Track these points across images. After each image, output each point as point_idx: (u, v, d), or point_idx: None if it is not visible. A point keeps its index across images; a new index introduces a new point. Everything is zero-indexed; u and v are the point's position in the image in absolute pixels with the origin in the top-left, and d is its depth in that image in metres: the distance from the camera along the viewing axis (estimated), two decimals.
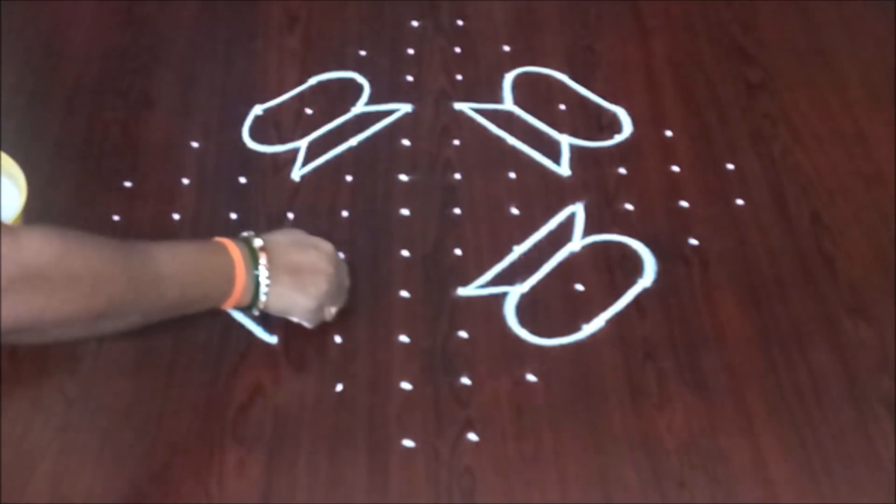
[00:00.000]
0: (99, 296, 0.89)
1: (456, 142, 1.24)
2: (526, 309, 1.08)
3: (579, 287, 1.10)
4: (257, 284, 1.00)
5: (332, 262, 1.04)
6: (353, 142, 1.24)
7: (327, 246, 1.05)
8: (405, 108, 1.27)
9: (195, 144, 1.23)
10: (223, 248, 0.99)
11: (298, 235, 1.06)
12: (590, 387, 1.02)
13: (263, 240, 1.01)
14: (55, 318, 0.87)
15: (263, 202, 1.18)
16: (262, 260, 1.00)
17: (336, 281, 1.04)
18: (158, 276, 0.94)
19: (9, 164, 1.08)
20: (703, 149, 1.23)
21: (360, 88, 1.29)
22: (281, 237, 1.04)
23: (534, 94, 1.29)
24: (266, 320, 1.07)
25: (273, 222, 1.16)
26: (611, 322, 1.07)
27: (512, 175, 1.21)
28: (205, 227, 1.14)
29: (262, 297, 1.00)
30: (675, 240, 1.14)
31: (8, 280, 0.82)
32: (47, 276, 0.86)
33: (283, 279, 1.01)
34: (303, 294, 1.02)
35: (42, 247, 0.86)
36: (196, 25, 1.37)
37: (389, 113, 1.27)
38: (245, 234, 1.02)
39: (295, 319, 1.04)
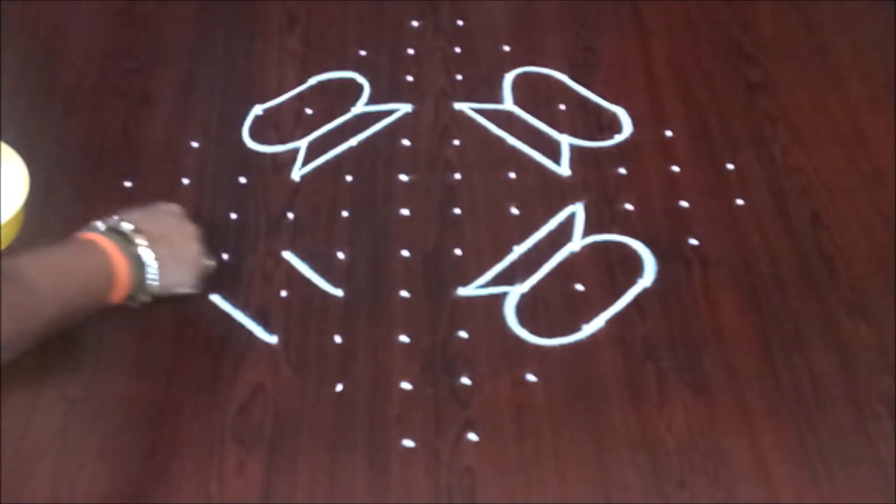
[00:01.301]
0: None
1: (456, 142, 1.24)
2: (526, 309, 1.08)
3: (579, 287, 1.10)
4: (141, 268, 0.99)
5: (187, 218, 1.05)
6: (353, 142, 1.24)
7: (175, 206, 1.06)
8: (405, 108, 1.27)
9: (195, 144, 1.23)
10: (93, 243, 0.98)
11: (147, 208, 1.05)
12: (590, 387, 1.03)
13: (128, 221, 1.00)
14: None
15: (263, 202, 1.18)
16: (140, 241, 0.99)
17: (199, 234, 1.05)
18: (37, 294, 0.93)
19: (9, 154, 1.08)
20: (703, 149, 1.23)
21: (360, 88, 1.29)
22: (136, 214, 1.03)
23: (534, 94, 1.29)
24: (266, 320, 1.07)
25: (273, 222, 1.16)
26: (611, 322, 1.07)
27: (512, 175, 1.21)
28: (205, 227, 1.14)
29: (151, 278, 1.00)
30: (675, 240, 1.14)
31: None
32: None
33: (163, 252, 1.01)
34: (184, 262, 1.03)
35: None
36: (196, 25, 1.37)
37: (389, 113, 1.27)
38: (100, 222, 1.01)
39: (183, 290, 1.04)
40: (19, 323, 0.92)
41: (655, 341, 1.06)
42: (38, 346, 0.97)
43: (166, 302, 1.05)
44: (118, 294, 0.99)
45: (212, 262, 1.06)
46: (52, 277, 0.95)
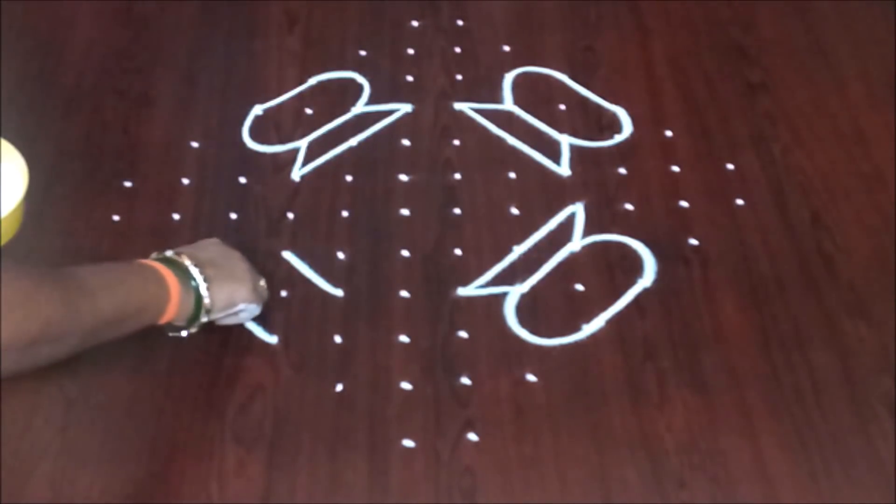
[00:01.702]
0: (34, 319, 0.89)
1: (456, 142, 1.24)
2: (526, 309, 1.08)
3: (579, 287, 1.10)
4: (194, 287, 0.99)
5: (230, 247, 1.05)
6: (353, 142, 1.24)
7: (214, 239, 1.07)
8: (405, 108, 1.27)
9: (195, 144, 1.23)
10: (146, 265, 0.99)
11: (190, 245, 1.05)
12: (590, 387, 1.02)
13: (171, 251, 1.01)
14: None
15: (263, 202, 1.18)
16: (187, 261, 1.00)
17: (244, 258, 1.05)
18: (92, 293, 0.93)
19: (9, 150, 1.08)
20: (703, 149, 1.23)
21: (360, 88, 1.29)
22: (182, 248, 1.03)
23: (534, 94, 1.29)
24: (266, 320, 1.07)
25: (273, 222, 1.16)
26: (611, 322, 1.07)
27: (512, 175, 1.21)
28: (205, 227, 1.14)
29: (206, 296, 1.00)
30: (675, 240, 1.14)
31: None
32: None
33: (211, 273, 1.00)
34: (235, 279, 1.02)
35: None
36: (196, 25, 1.37)
37: (389, 113, 1.27)
38: (166, 254, 1.01)
39: (241, 314, 1.03)
40: (73, 316, 0.92)
41: (655, 341, 1.06)
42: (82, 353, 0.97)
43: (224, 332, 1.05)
44: (171, 310, 0.99)
45: (263, 284, 1.05)
46: (109, 283, 0.96)
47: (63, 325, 0.92)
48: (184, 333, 1.02)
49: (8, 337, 0.87)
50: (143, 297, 0.97)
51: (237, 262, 1.04)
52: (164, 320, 0.99)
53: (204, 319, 1.01)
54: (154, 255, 1.01)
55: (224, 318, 1.03)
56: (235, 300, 1.02)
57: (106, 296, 0.95)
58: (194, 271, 0.99)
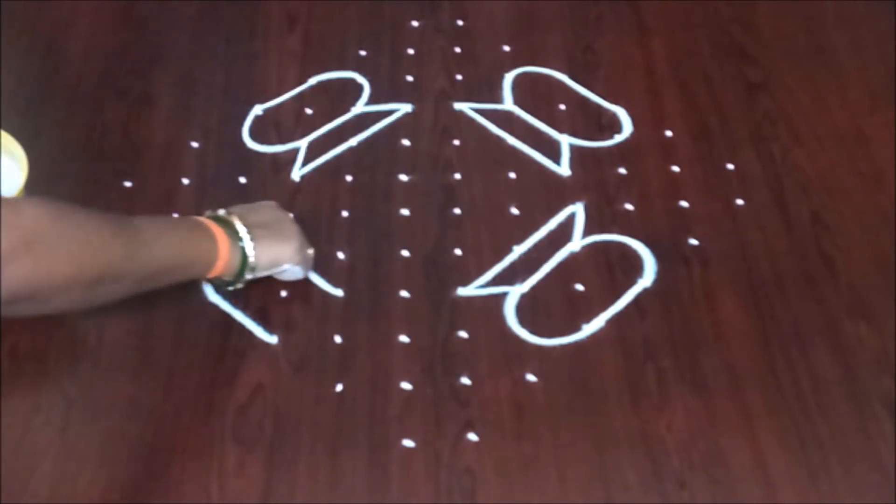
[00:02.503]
0: (96, 259, 0.92)
1: (456, 142, 1.24)
2: (526, 309, 1.08)
3: (579, 287, 1.10)
4: (241, 246, 1.02)
5: (283, 210, 1.09)
6: (353, 142, 1.24)
7: (271, 202, 1.10)
8: (405, 108, 1.27)
9: (195, 144, 1.23)
10: (198, 220, 1.03)
11: (246, 204, 1.09)
12: (590, 387, 1.03)
13: (222, 210, 1.05)
14: (56, 282, 0.90)
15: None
16: (235, 220, 1.03)
17: (295, 222, 1.08)
18: (148, 240, 0.97)
19: (8, 141, 1.08)
20: (703, 149, 1.23)
21: (360, 88, 1.29)
22: (234, 207, 1.07)
23: (534, 94, 1.29)
24: (266, 320, 1.07)
25: None
26: (611, 322, 1.07)
27: (512, 175, 1.21)
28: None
29: (251, 253, 1.03)
30: (675, 240, 1.14)
31: (9, 248, 0.84)
32: (47, 242, 0.88)
33: (260, 233, 1.03)
34: (283, 239, 1.06)
35: (40, 214, 0.89)
36: (196, 25, 1.37)
37: (389, 113, 1.27)
38: (216, 213, 1.05)
39: (286, 273, 1.07)
40: (131, 260, 0.95)
41: (655, 341, 1.06)
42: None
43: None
44: (220, 264, 1.02)
45: (311, 253, 1.09)
46: (164, 234, 0.99)
47: (122, 268, 0.95)
48: (230, 288, 1.06)
49: (73, 274, 0.90)
50: (194, 251, 1.01)
51: (287, 225, 1.07)
52: (212, 274, 1.02)
53: (249, 276, 1.04)
54: (208, 213, 1.05)
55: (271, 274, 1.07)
56: (280, 260, 1.05)
57: (161, 245, 0.98)
58: (242, 230, 1.02)
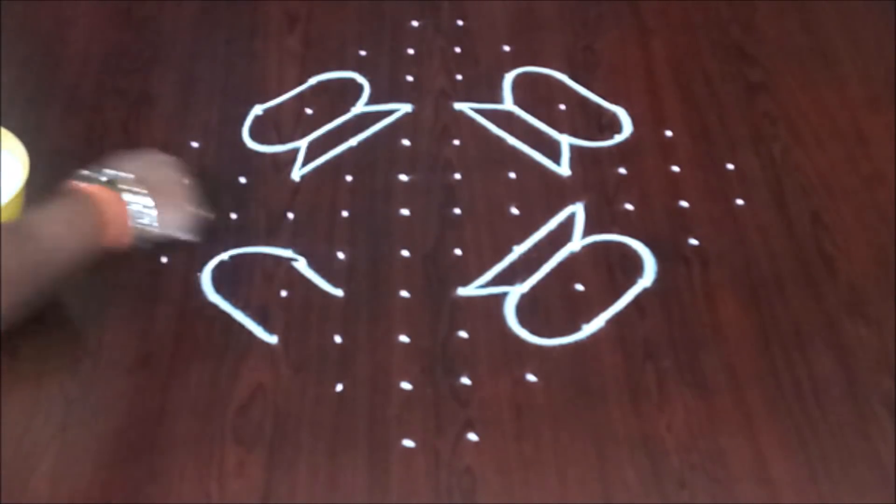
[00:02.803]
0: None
1: (456, 142, 1.24)
2: (526, 309, 1.08)
3: (579, 287, 1.10)
4: (139, 215, 1.05)
5: (176, 168, 1.11)
6: (353, 142, 1.24)
7: (167, 157, 1.12)
8: (405, 108, 1.27)
9: (195, 144, 1.23)
10: (80, 192, 1.03)
11: (141, 158, 1.10)
12: (590, 387, 1.03)
13: (115, 170, 1.06)
14: None
15: (263, 202, 1.18)
16: (138, 188, 1.05)
17: (187, 183, 1.10)
18: (33, 233, 0.98)
19: (9, 138, 1.09)
20: (703, 149, 1.23)
21: (360, 88, 1.29)
22: (132, 164, 1.08)
23: (534, 94, 1.29)
24: (266, 320, 1.07)
25: (273, 222, 1.16)
26: (611, 322, 1.07)
27: (512, 175, 1.21)
28: (205, 227, 1.14)
29: (149, 223, 1.05)
30: (675, 240, 1.14)
31: None
32: None
33: (159, 199, 1.06)
34: (178, 207, 1.08)
35: None
36: (196, 25, 1.37)
37: (389, 113, 1.27)
38: (93, 172, 1.06)
39: (178, 234, 1.09)
40: (36, 274, 0.98)
41: (655, 341, 1.06)
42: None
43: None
44: (116, 237, 1.03)
45: (200, 209, 1.10)
46: (55, 228, 1.00)
47: (14, 272, 0.96)
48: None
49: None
50: (91, 238, 1.02)
51: (181, 189, 1.09)
52: (106, 242, 1.04)
53: (143, 244, 1.07)
54: (99, 172, 1.05)
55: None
56: (175, 227, 1.08)
57: (48, 234, 0.99)
58: (146, 202, 1.05)
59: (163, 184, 1.07)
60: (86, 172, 1.05)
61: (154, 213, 1.05)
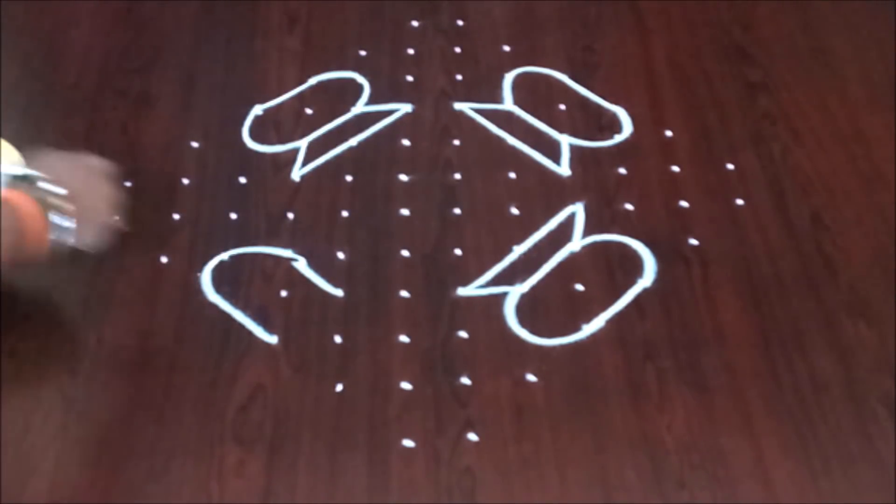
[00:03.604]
0: None
1: (456, 142, 1.24)
2: (526, 309, 1.08)
3: (579, 287, 1.10)
4: (56, 228, 1.01)
5: (103, 177, 1.07)
6: (353, 142, 1.24)
7: (95, 161, 1.09)
8: (405, 108, 1.27)
9: (195, 144, 1.23)
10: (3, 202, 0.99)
11: (66, 159, 1.07)
12: (590, 387, 1.03)
13: (45, 176, 1.02)
14: None
15: (263, 202, 1.18)
16: (59, 203, 1.01)
17: (106, 193, 1.07)
18: None
19: (9, 150, 1.08)
20: (703, 149, 1.23)
21: (360, 88, 1.29)
22: (56, 166, 1.04)
23: (534, 94, 1.29)
24: (266, 320, 1.07)
25: (273, 222, 1.16)
26: (611, 322, 1.07)
27: (512, 175, 1.21)
28: (205, 227, 1.14)
29: (63, 236, 1.02)
30: (675, 240, 1.14)
31: None
32: None
33: (76, 213, 1.02)
34: (93, 223, 1.04)
35: None
36: (196, 25, 1.37)
37: (389, 113, 1.27)
38: (21, 173, 1.02)
39: (89, 247, 1.06)
40: None
41: (655, 341, 1.06)
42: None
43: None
44: (33, 250, 1.00)
45: (117, 222, 1.07)
46: None
47: None
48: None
49: None
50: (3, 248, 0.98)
51: (101, 203, 1.06)
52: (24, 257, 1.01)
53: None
54: (21, 171, 1.02)
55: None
56: (83, 243, 1.04)
57: None
58: (65, 220, 1.01)
59: (89, 197, 1.04)
60: (17, 175, 1.01)
61: (74, 229, 1.02)
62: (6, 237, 0.98)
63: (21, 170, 1.02)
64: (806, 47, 1.34)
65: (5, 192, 1.00)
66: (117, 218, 1.07)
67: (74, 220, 1.02)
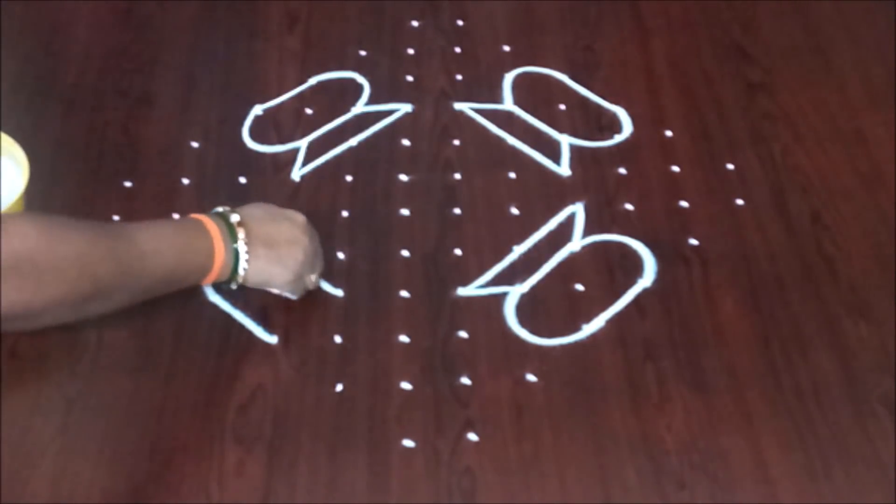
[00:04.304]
0: (86, 278, 0.92)
1: (456, 142, 1.24)
2: (526, 309, 1.08)
3: (579, 287, 1.10)
4: (236, 259, 1.01)
5: (305, 232, 1.06)
6: (353, 142, 1.24)
7: (300, 217, 1.07)
8: (405, 108, 1.27)
9: (195, 144, 1.23)
10: (201, 224, 1.01)
11: (272, 209, 1.07)
12: (590, 387, 1.02)
13: (239, 214, 1.03)
14: (45, 302, 0.90)
15: (263, 202, 1.18)
16: (241, 234, 1.01)
17: (311, 250, 1.05)
18: (143, 254, 0.96)
19: (9, 143, 1.08)
20: (703, 149, 1.23)
21: (360, 88, 1.29)
22: (255, 210, 1.05)
23: (534, 94, 1.29)
24: (266, 320, 1.07)
25: None
26: (611, 322, 1.07)
27: (512, 175, 1.21)
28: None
29: (241, 272, 1.02)
30: (675, 240, 1.14)
31: None
32: (36, 262, 0.89)
33: (260, 252, 1.02)
34: (280, 266, 1.04)
35: (28, 233, 0.89)
36: (196, 25, 1.37)
37: (389, 113, 1.27)
38: (220, 209, 1.03)
39: (276, 291, 1.06)
40: (125, 276, 0.96)
41: (655, 341, 1.06)
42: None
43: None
44: (212, 276, 1.01)
45: (312, 280, 1.06)
46: (159, 245, 0.98)
47: (113, 284, 0.95)
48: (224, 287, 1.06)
49: (62, 294, 0.91)
50: (192, 261, 1.00)
51: (295, 250, 1.04)
52: (206, 282, 1.02)
53: (234, 287, 1.04)
54: (219, 210, 1.03)
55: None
56: (270, 284, 1.05)
57: (157, 261, 0.98)
58: (241, 247, 1.01)
59: (274, 239, 1.03)
60: (220, 210, 1.03)
61: (246, 262, 1.02)
62: (190, 251, 0.99)
63: (224, 208, 1.03)
64: (806, 47, 1.34)
65: (201, 217, 1.02)
66: (314, 278, 1.07)
67: (257, 261, 1.02)
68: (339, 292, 1.10)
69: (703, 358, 1.04)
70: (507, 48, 1.34)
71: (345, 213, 1.17)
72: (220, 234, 1.01)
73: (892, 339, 1.05)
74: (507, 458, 0.98)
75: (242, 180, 1.20)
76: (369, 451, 0.98)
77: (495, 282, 1.11)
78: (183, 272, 1.00)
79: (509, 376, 1.03)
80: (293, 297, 1.06)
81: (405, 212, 1.17)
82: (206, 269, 1.01)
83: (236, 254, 1.01)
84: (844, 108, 1.26)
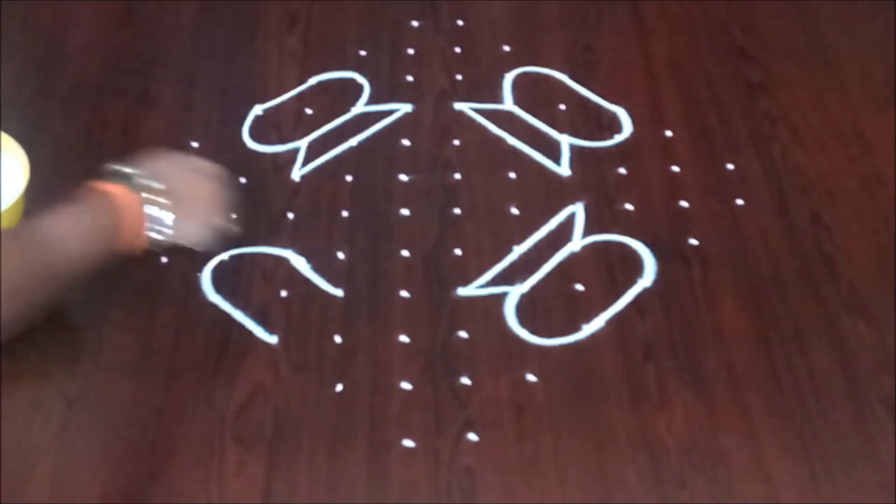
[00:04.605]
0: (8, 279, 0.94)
1: (456, 142, 1.24)
2: (526, 309, 1.08)
3: (579, 287, 1.10)
4: (150, 219, 1.04)
5: (213, 180, 1.09)
6: (353, 142, 1.24)
7: (208, 166, 1.10)
8: (405, 108, 1.27)
9: (195, 144, 1.23)
10: (97, 190, 1.02)
11: (178, 162, 1.10)
12: (590, 387, 1.03)
13: (152, 178, 1.05)
14: None
15: (263, 202, 1.18)
16: (160, 199, 1.04)
17: (214, 195, 1.09)
18: (47, 239, 0.98)
19: (9, 143, 1.09)
20: (703, 149, 1.23)
21: (360, 88, 1.29)
22: (165, 168, 1.07)
23: (534, 94, 1.29)
24: (266, 320, 1.07)
25: (273, 222, 1.16)
26: (611, 322, 1.07)
27: (512, 175, 1.21)
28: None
29: (166, 234, 1.04)
30: (675, 240, 1.14)
31: None
32: None
33: (179, 212, 1.05)
34: (198, 222, 1.07)
35: None
36: (196, 25, 1.37)
37: (389, 113, 1.27)
38: (121, 168, 1.05)
39: (189, 245, 1.08)
40: (36, 267, 0.97)
41: (655, 341, 1.06)
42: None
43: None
44: (130, 241, 1.03)
45: (225, 224, 1.09)
46: (63, 230, 1.00)
47: (26, 276, 0.96)
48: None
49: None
50: (96, 239, 1.01)
51: (208, 204, 1.08)
52: (121, 248, 1.04)
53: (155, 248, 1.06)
54: (129, 169, 1.05)
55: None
56: (187, 239, 1.07)
57: (62, 245, 0.99)
58: (166, 217, 1.04)
59: (191, 196, 1.06)
60: (116, 168, 1.04)
61: (171, 225, 1.05)
62: (101, 229, 1.01)
63: (121, 165, 1.05)
64: (806, 47, 1.34)
65: (103, 184, 1.03)
66: (231, 217, 1.09)
67: (172, 215, 1.04)
68: (339, 292, 1.10)
69: (703, 358, 1.04)
70: (507, 48, 1.35)
71: (345, 213, 1.17)
72: (124, 193, 1.02)
73: (892, 339, 1.05)
74: (507, 458, 0.98)
75: (242, 180, 1.20)
76: (369, 451, 0.98)
77: (495, 282, 1.11)
78: (99, 247, 1.01)
79: (509, 376, 1.03)
80: (202, 249, 1.09)
81: (405, 212, 1.17)
82: (114, 238, 1.02)
83: (154, 219, 1.04)
84: (844, 108, 1.27)
